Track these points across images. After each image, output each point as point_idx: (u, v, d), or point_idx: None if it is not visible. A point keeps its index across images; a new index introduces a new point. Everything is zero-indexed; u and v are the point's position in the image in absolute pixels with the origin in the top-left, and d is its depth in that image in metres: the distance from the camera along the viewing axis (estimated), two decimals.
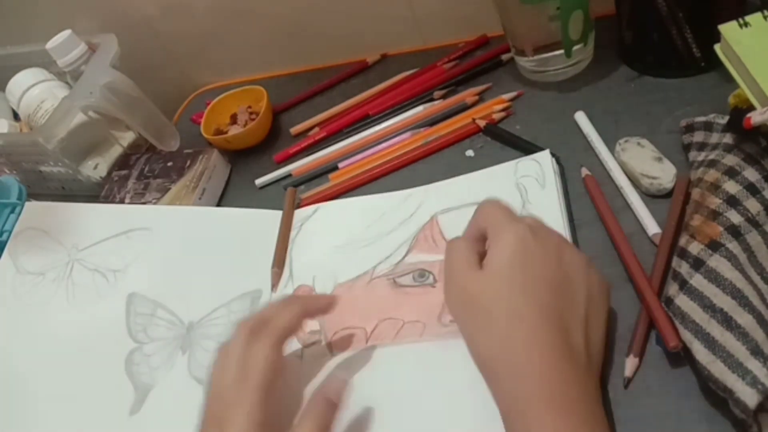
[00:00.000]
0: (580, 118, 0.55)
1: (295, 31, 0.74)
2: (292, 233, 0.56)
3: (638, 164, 0.48)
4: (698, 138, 0.47)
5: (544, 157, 0.51)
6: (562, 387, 0.34)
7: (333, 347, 0.47)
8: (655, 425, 0.37)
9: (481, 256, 0.39)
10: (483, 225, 0.40)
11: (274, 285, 0.53)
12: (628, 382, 0.39)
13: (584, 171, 0.51)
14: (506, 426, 0.35)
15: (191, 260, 0.56)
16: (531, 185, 0.50)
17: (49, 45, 0.68)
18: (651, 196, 0.47)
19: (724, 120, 0.46)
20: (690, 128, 0.48)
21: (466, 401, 0.41)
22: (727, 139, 0.45)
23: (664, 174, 0.47)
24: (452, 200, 0.52)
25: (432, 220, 0.51)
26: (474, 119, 0.59)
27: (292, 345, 0.49)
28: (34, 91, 0.71)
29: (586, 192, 0.50)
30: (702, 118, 0.47)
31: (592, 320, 0.37)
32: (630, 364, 0.39)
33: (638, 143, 0.50)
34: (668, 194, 0.47)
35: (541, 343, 0.35)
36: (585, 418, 0.33)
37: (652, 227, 0.45)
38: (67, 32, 0.68)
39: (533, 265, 0.37)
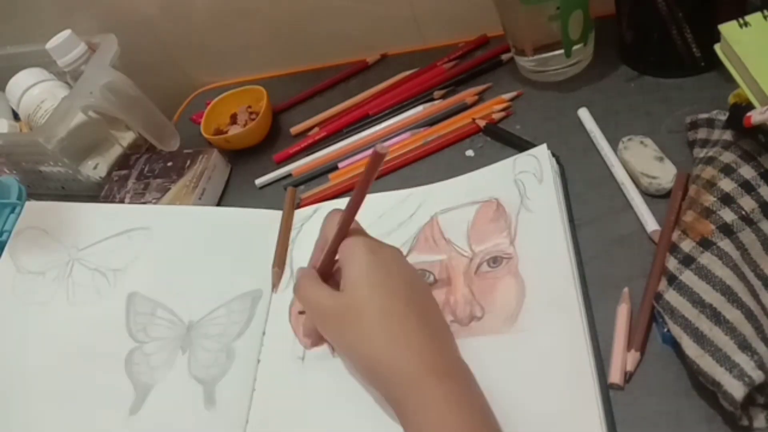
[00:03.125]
0: (583, 114, 0.55)
1: (295, 31, 0.74)
2: (293, 233, 0.56)
3: (639, 163, 0.48)
4: (701, 135, 0.47)
5: (542, 153, 0.51)
6: (438, 358, 0.40)
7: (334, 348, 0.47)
8: (655, 425, 0.37)
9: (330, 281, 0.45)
10: (328, 235, 0.45)
11: (275, 285, 0.53)
12: (630, 376, 0.39)
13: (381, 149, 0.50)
14: (402, 417, 0.38)
15: (191, 260, 0.56)
16: (529, 181, 0.50)
17: (49, 45, 0.68)
18: (651, 196, 0.48)
19: (725, 117, 0.46)
20: (694, 125, 0.48)
21: None
22: (727, 135, 0.45)
23: (664, 174, 0.47)
24: (452, 200, 0.52)
25: (432, 220, 0.51)
26: (474, 119, 0.59)
27: (294, 347, 0.49)
28: (34, 91, 0.71)
29: (587, 190, 0.49)
30: (705, 115, 0.48)
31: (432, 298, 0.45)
32: (631, 358, 0.40)
33: (641, 142, 0.50)
34: (667, 194, 0.47)
35: (414, 329, 0.40)
36: (463, 376, 0.40)
37: (652, 225, 0.45)
38: (67, 32, 0.68)
39: (386, 266, 0.43)
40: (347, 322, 0.42)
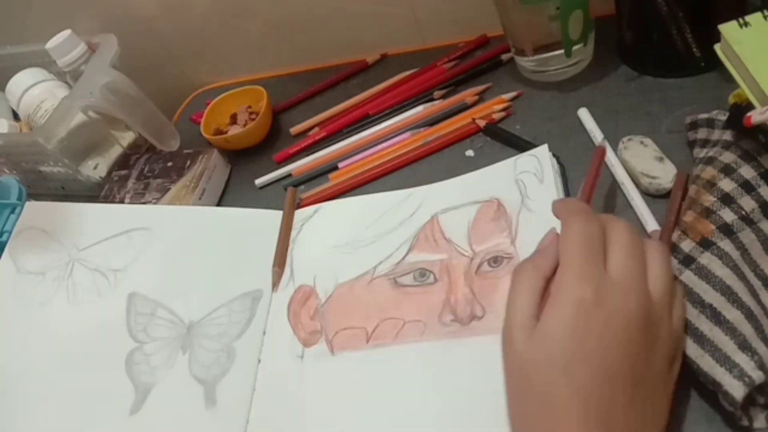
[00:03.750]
0: (583, 114, 0.55)
1: (295, 31, 0.74)
2: (293, 233, 0.56)
3: (639, 163, 0.48)
4: (702, 135, 0.47)
5: (543, 153, 0.51)
6: None
7: (334, 347, 0.47)
8: None
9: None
10: (558, 258, 0.35)
11: (275, 284, 0.53)
12: None
13: (603, 142, 0.49)
14: None
15: (191, 260, 0.56)
16: (530, 181, 0.50)
17: (49, 45, 0.68)
18: (651, 196, 0.48)
19: (725, 117, 0.46)
20: (694, 125, 0.48)
21: (468, 401, 0.41)
22: (727, 135, 0.45)
23: (664, 174, 0.47)
24: (452, 200, 0.52)
25: (433, 220, 0.51)
26: (474, 119, 0.59)
27: (293, 345, 0.49)
28: (34, 91, 0.71)
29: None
30: (705, 115, 0.47)
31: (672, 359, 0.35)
32: None
33: (641, 142, 0.50)
34: (667, 194, 0.47)
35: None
36: None
37: (652, 225, 0.45)
38: (66, 32, 0.68)
39: (587, 339, 0.32)
40: (522, 388, 0.33)
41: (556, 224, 0.46)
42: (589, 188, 0.43)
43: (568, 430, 0.31)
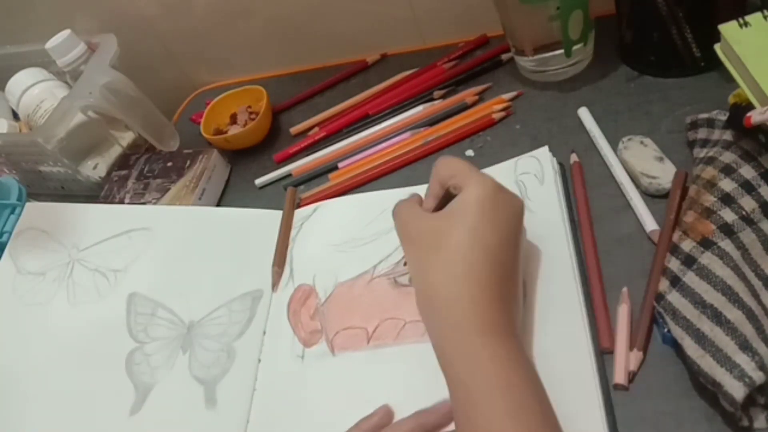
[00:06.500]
0: (583, 114, 0.55)
1: (295, 31, 0.74)
2: (293, 233, 0.56)
3: (639, 163, 0.48)
4: (702, 135, 0.47)
5: (543, 154, 0.51)
6: (503, 319, 0.37)
7: (334, 347, 0.47)
8: (655, 425, 0.37)
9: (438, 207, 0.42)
10: (446, 176, 0.42)
11: (275, 284, 0.53)
12: (633, 376, 0.39)
13: (573, 157, 0.52)
14: (439, 357, 0.38)
15: (191, 260, 0.56)
16: (530, 182, 0.50)
17: (49, 45, 0.68)
18: (651, 196, 0.48)
19: (725, 117, 0.46)
20: (694, 125, 0.48)
21: None
22: (727, 135, 0.45)
23: (664, 174, 0.47)
24: None
25: None
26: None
27: (293, 346, 0.49)
28: (34, 90, 0.71)
29: (587, 191, 0.50)
30: (705, 115, 0.48)
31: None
32: (634, 358, 0.40)
33: (641, 142, 0.50)
34: (667, 194, 0.47)
35: (491, 281, 0.38)
36: (509, 341, 0.37)
37: (651, 225, 0.45)
38: (66, 32, 0.68)
39: (502, 210, 0.40)
40: (429, 245, 0.40)
41: (557, 224, 0.47)
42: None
43: (474, 271, 0.38)
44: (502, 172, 0.52)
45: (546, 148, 0.52)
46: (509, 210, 0.41)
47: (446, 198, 0.42)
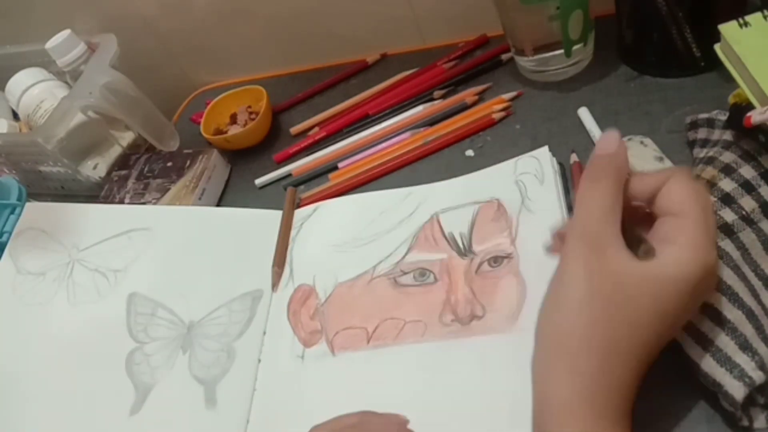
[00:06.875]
0: (583, 114, 0.55)
1: (295, 31, 0.74)
2: (293, 233, 0.56)
3: (638, 163, 0.48)
4: (702, 135, 0.47)
5: (543, 154, 0.51)
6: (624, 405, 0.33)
7: (334, 347, 0.47)
8: (655, 425, 0.37)
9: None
10: (669, 204, 0.34)
11: (275, 284, 0.53)
12: None
13: (573, 157, 0.51)
14: (537, 418, 0.34)
15: (191, 260, 0.56)
16: (530, 182, 0.50)
17: (49, 45, 0.68)
18: None
19: (725, 117, 0.46)
20: (694, 125, 0.48)
21: (468, 402, 0.41)
22: (727, 135, 0.45)
23: None
24: (452, 199, 0.52)
25: (433, 219, 0.51)
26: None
27: (293, 346, 0.49)
28: (34, 90, 0.71)
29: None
30: (705, 115, 0.48)
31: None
32: None
33: (641, 142, 0.50)
34: None
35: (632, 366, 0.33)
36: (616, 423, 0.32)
37: None
38: (66, 32, 0.68)
39: (688, 304, 0.33)
40: (613, 302, 0.32)
41: (557, 224, 0.47)
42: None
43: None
44: (502, 172, 0.52)
45: (546, 148, 0.52)
46: (702, 298, 0.35)
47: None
